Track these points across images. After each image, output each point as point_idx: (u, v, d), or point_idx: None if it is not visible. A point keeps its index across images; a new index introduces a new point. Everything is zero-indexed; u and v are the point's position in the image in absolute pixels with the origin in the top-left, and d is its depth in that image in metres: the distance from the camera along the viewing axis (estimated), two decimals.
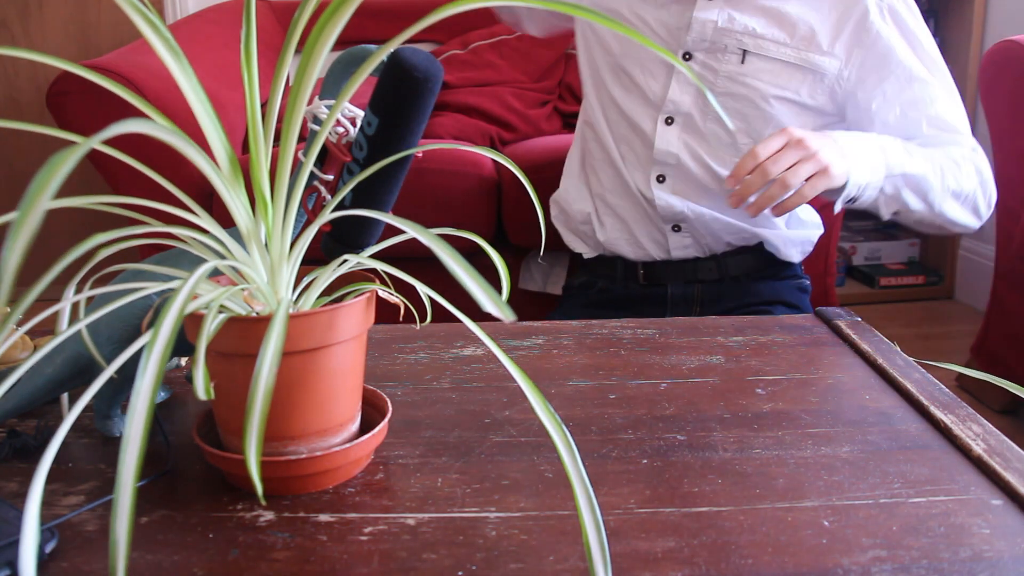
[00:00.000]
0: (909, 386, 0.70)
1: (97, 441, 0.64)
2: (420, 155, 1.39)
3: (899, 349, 0.79)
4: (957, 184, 1.04)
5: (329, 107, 0.58)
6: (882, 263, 2.60)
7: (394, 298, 0.57)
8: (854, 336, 0.81)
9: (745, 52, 1.07)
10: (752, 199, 0.97)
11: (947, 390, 0.69)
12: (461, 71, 2.06)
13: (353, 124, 0.59)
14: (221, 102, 1.75)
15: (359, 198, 0.59)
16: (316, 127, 0.59)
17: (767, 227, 1.14)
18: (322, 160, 0.61)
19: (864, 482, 0.57)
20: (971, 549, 0.50)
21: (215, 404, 0.57)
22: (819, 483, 0.57)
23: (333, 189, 0.60)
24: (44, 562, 0.49)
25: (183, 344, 0.56)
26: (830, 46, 1.06)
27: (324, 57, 0.48)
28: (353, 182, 0.56)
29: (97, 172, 1.59)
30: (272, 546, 0.51)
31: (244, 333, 0.51)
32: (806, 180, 0.95)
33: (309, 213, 0.59)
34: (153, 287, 0.53)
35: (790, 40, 1.07)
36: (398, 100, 0.55)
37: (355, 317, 0.55)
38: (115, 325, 0.60)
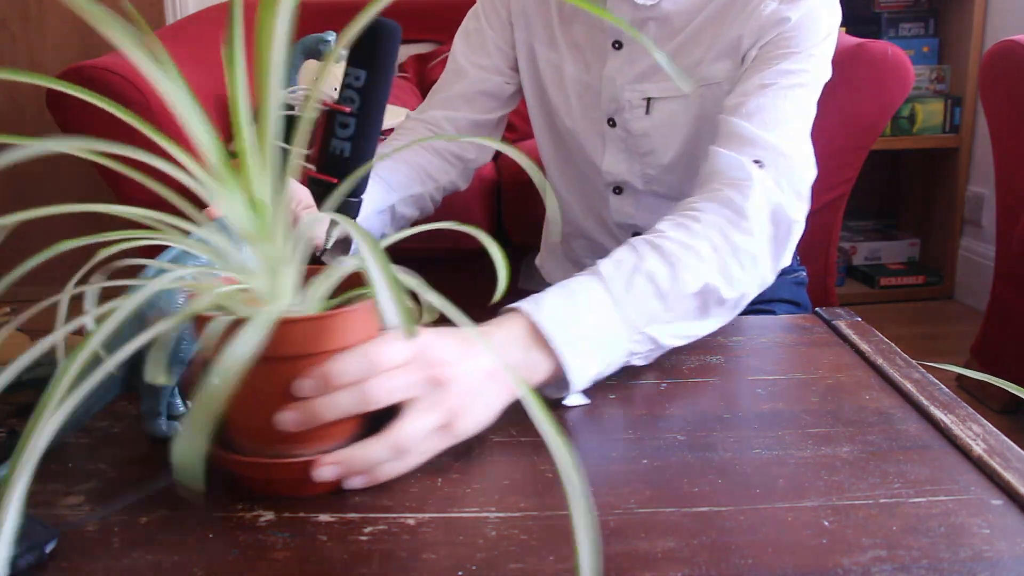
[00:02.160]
0: (909, 386, 0.70)
1: (97, 441, 0.64)
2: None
3: (899, 349, 0.79)
4: (749, 261, 0.78)
5: (293, 92, 0.64)
6: (882, 263, 2.61)
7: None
8: (854, 336, 0.81)
9: (649, 100, 0.99)
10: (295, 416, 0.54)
11: (947, 390, 0.69)
12: None
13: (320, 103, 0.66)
14: (222, 101, 1.75)
15: (357, 146, 0.67)
16: (282, 112, 0.62)
17: None
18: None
19: (864, 482, 0.57)
20: (971, 549, 0.50)
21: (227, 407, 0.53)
22: (819, 483, 0.57)
23: (315, 158, 0.69)
24: (44, 562, 0.49)
25: (135, 379, 0.59)
26: (710, 49, 0.96)
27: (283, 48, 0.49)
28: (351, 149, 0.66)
29: (97, 172, 1.59)
30: (272, 546, 0.51)
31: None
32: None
33: (329, 178, 0.68)
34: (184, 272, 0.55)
35: (690, 69, 0.97)
36: (380, 51, 0.67)
37: (357, 323, 0.54)
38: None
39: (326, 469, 0.54)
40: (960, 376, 1.78)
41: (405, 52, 2.28)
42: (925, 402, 0.67)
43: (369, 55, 0.67)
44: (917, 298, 2.50)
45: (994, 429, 0.63)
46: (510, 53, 1.10)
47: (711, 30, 0.97)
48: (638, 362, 0.73)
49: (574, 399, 0.68)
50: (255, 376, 0.44)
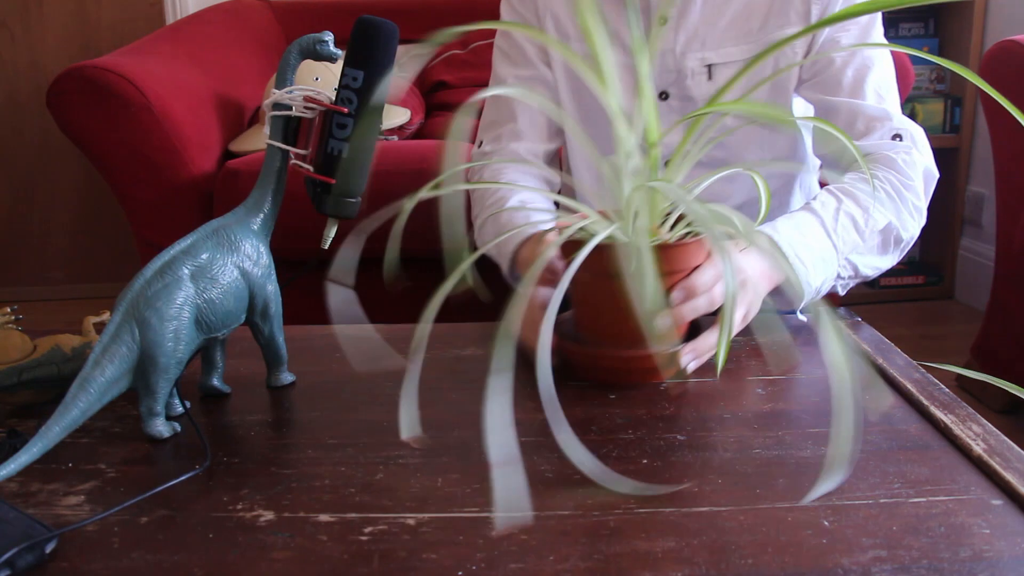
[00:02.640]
0: (909, 386, 0.70)
1: (97, 441, 0.64)
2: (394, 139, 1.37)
3: (899, 349, 0.79)
4: (916, 208, 0.97)
5: (291, 93, 0.68)
6: None
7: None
8: (854, 336, 0.81)
9: (711, 67, 1.04)
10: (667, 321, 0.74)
11: (947, 390, 0.69)
12: (461, 71, 2.06)
13: (317, 103, 0.69)
14: (222, 101, 1.75)
15: (356, 146, 0.68)
16: (279, 113, 0.68)
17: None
18: (295, 138, 0.69)
19: (864, 482, 0.57)
20: (971, 549, 0.50)
21: (585, 318, 0.74)
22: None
23: (312, 158, 0.69)
24: (44, 562, 0.49)
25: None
26: (783, 13, 1.01)
27: None
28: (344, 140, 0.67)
29: (97, 172, 1.59)
30: (272, 546, 0.51)
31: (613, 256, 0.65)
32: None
33: (326, 179, 0.68)
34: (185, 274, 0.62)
35: (751, 33, 1.03)
36: (377, 52, 0.67)
37: (700, 251, 0.72)
38: (167, 321, 0.62)
39: (687, 356, 0.73)
40: (960, 376, 1.78)
41: (404, 52, 2.28)
42: (925, 402, 0.67)
43: (367, 55, 0.67)
44: (917, 298, 2.50)
45: (994, 429, 0.63)
46: (545, 56, 1.12)
47: None
48: (841, 289, 0.93)
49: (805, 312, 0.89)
50: (622, 290, 0.60)
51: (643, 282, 0.57)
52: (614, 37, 1.06)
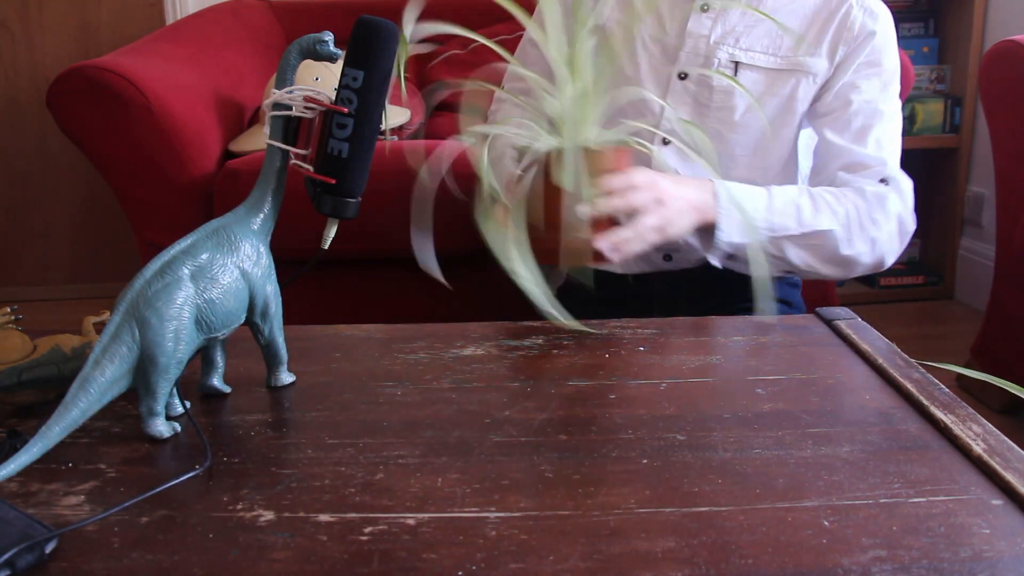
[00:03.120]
0: (909, 386, 0.70)
1: (97, 441, 0.64)
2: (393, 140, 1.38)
3: (899, 349, 0.79)
4: (869, 238, 1.03)
5: (291, 93, 0.68)
6: None
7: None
8: (854, 336, 0.81)
9: (738, 64, 1.09)
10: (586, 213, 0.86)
11: (947, 390, 0.69)
12: (461, 71, 2.05)
13: (317, 103, 0.69)
14: (222, 101, 1.75)
15: (356, 146, 0.68)
16: (279, 113, 0.68)
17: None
18: (295, 138, 0.69)
19: (864, 482, 0.57)
20: (971, 549, 0.50)
21: (532, 208, 0.84)
22: (819, 483, 0.57)
23: (313, 158, 0.69)
24: (44, 562, 0.49)
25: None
26: (817, 46, 1.08)
27: None
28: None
29: (97, 172, 1.59)
30: (272, 546, 0.51)
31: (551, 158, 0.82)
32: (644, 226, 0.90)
33: (326, 179, 0.68)
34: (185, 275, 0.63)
35: (780, 48, 1.08)
36: (377, 52, 0.67)
37: (627, 157, 0.89)
38: (167, 321, 0.62)
39: (603, 241, 0.85)
40: (960, 376, 1.78)
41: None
42: (925, 402, 0.67)
43: (367, 56, 0.67)
44: (917, 298, 2.50)
45: (994, 429, 0.63)
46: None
47: (805, 17, 1.08)
48: (775, 270, 1.03)
49: (713, 258, 1.02)
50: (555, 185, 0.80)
51: (572, 179, 0.79)
52: (653, 14, 1.11)
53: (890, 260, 1.07)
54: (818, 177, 1.12)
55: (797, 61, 1.08)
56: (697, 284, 1.16)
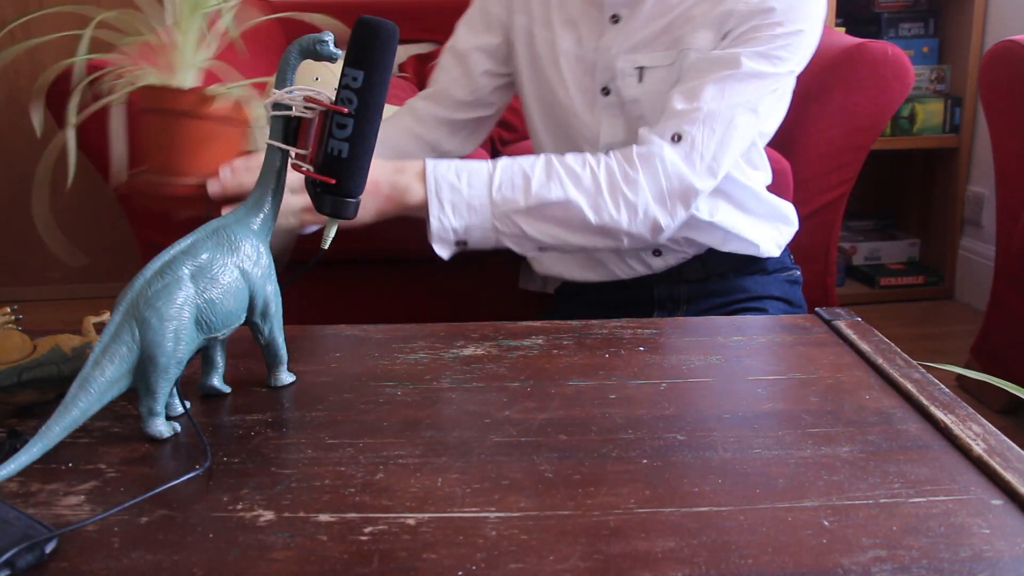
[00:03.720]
0: (909, 386, 0.70)
1: (97, 441, 0.64)
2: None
3: (899, 349, 0.79)
4: (624, 203, 0.96)
5: (291, 93, 0.68)
6: (882, 263, 2.61)
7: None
8: (854, 336, 0.81)
9: (642, 69, 1.05)
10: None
11: (947, 390, 0.69)
12: None
13: (317, 103, 0.69)
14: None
15: (356, 146, 0.67)
16: (279, 113, 0.68)
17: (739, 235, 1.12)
18: (295, 138, 0.69)
19: (864, 482, 0.57)
20: (971, 549, 0.50)
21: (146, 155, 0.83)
22: (819, 483, 0.57)
23: (313, 158, 0.69)
24: (44, 562, 0.49)
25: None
26: (704, 20, 1.01)
27: None
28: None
29: (97, 172, 1.59)
30: (272, 546, 0.51)
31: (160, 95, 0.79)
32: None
33: (326, 179, 0.68)
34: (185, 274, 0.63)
35: (677, 40, 1.03)
36: (377, 52, 0.67)
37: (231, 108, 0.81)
38: (167, 321, 0.62)
39: (213, 184, 0.81)
40: (960, 376, 1.78)
41: (405, 52, 2.29)
42: (925, 402, 0.67)
43: (367, 55, 0.67)
44: (917, 298, 2.50)
45: (994, 429, 0.63)
46: (505, 39, 1.14)
47: (705, 5, 1.02)
48: (512, 245, 0.97)
49: (441, 248, 0.95)
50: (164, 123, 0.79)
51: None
52: (572, 27, 1.09)
53: (668, 222, 0.98)
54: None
55: (685, 44, 1.02)
56: (697, 285, 1.16)
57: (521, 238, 0.96)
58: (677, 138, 0.97)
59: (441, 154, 1.17)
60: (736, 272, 1.15)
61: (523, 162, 0.95)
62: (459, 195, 0.92)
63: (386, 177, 0.91)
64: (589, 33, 1.08)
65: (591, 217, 0.95)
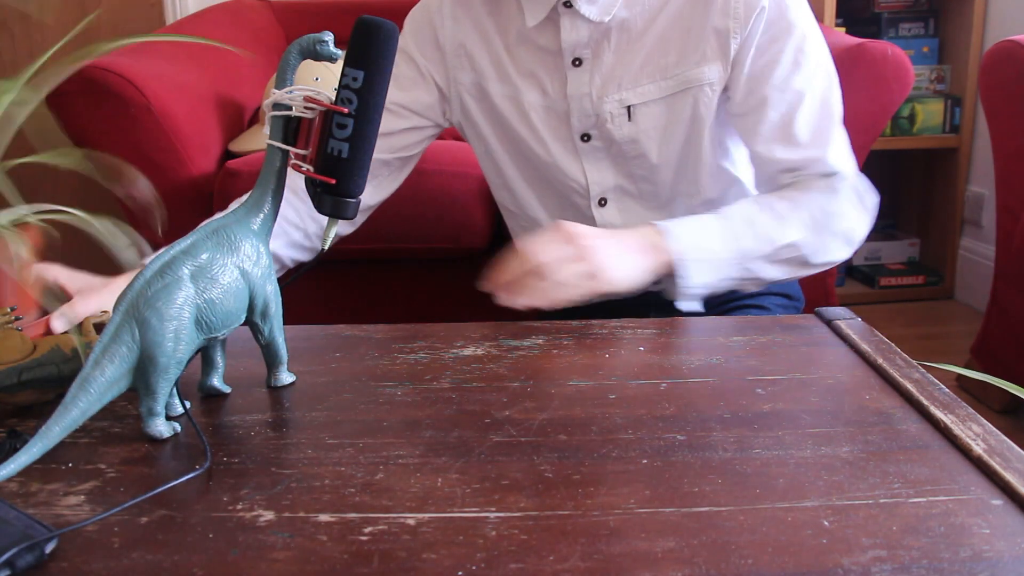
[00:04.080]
0: (909, 386, 0.70)
1: (97, 441, 0.64)
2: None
3: (899, 349, 0.79)
4: (839, 232, 0.99)
5: (291, 93, 0.67)
6: (882, 263, 2.61)
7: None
8: (854, 336, 0.81)
9: (630, 108, 1.01)
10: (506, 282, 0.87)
11: (947, 390, 0.69)
12: None
13: (317, 103, 0.68)
14: (222, 101, 1.75)
15: (356, 146, 0.67)
16: (279, 113, 0.68)
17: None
18: (295, 138, 0.69)
19: (864, 482, 0.57)
20: (971, 549, 0.50)
21: None
22: (819, 483, 0.57)
23: (313, 158, 0.68)
24: (44, 562, 0.49)
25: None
26: (701, 47, 0.98)
27: None
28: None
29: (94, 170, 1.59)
30: (272, 546, 0.51)
31: None
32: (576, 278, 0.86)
33: (326, 179, 0.67)
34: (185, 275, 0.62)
35: (667, 69, 0.99)
36: (377, 52, 0.67)
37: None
38: (167, 321, 0.62)
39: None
40: (960, 376, 1.78)
41: None
42: (925, 402, 0.67)
43: (367, 55, 0.67)
44: (917, 298, 2.50)
45: (994, 429, 0.63)
46: (441, 95, 1.09)
47: (679, 27, 0.98)
48: (736, 287, 0.97)
49: (689, 304, 0.93)
50: None
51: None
52: (532, 79, 1.04)
53: (863, 237, 1.03)
54: (763, 188, 1.06)
55: (687, 77, 0.99)
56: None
57: (756, 281, 0.97)
58: (827, 177, 0.99)
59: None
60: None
61: (742, 211, 0.97)
62: (704, 252, 0.91)
63: (637, 239, 0.91)
64: (552, 82, 1.03)
65: (817, 254, 0.98)
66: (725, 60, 0.97)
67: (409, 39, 1.08)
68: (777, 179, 1.01)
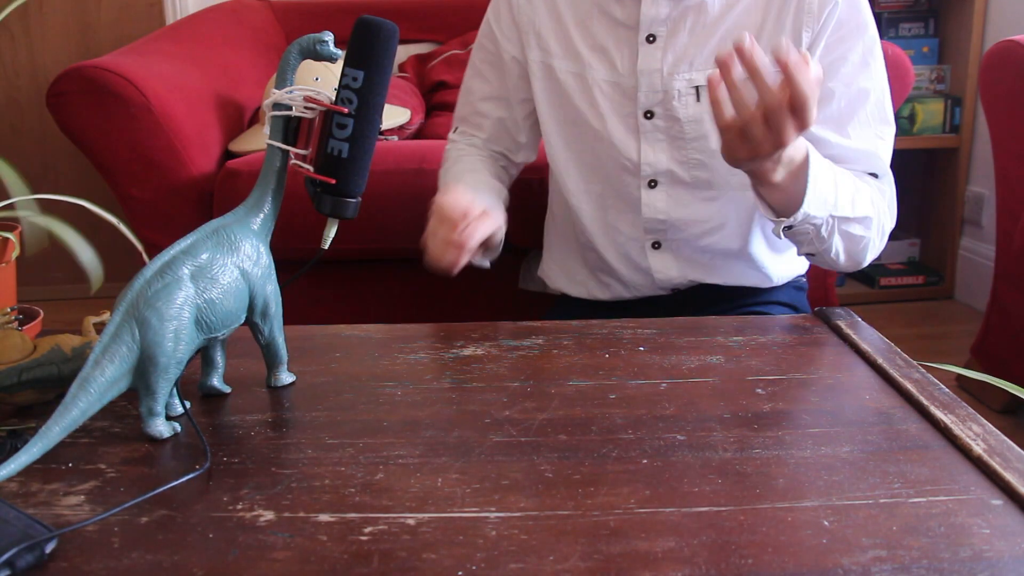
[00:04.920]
0: (909, 386, 0.70)
1: (97, 441, 0.64)
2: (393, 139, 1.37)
3: (899, 349, 0.79)
4: (882, 229, 1.01)
5: (291, 93, 0.67)
6: (882, 263, 2.61)
7: None
8: (854, 336, 0.81)
9: (699, 88, 1.02)
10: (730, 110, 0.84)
11: (947, 390, 0.69)
12: (461, 71, 2.05)
13: (317, 103, 0.69)
14: (222, 101, 1.75)
15: (356, 146, 0.67)
16: (279, 113, 0.68)
17: (757, 268, 1.12)
18: (295, 138, 0.69)
19: (864, 482, 0.57)
20: (971, 549, 0.50)
21: None
22: (819, 483, 0.57)
23: (313, 158, 0.69)
24: (44, 562, 0.49)
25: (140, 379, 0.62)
26: (777, 34, 1.00)
27: None
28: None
29: (97, 172, 1.59)
30: (272, 546, 0.51)
31: None
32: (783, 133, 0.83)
33: (326, 179, 0.68)
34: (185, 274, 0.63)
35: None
36: (377, 52, 0.67)
37: None
38: (167, 321, 0.62)
39: None
40: (960, 376, 1.78)
41: (405, 52, 2.28)
42: (925, 402, 0.67)
43: (367, 55, 0.67)
44: (917, 298, 2.50)
45: (994, 429, 0.63)
46: (522, 69, 1.13)
47: (755, 16, 1.01)
48: (806, 246, 0.96)
49: (773, 224, 0.93)
50: None
51: None
52: (601, 53, 1.06)
53: (880, 250, 1.04)
54: None
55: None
56: (705, 290, 1.15)
57: (821, 242, 0.95)
58: (874, 176, 1.02)
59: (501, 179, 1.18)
60: (741, 295, 1.15)
61: (846, 173, 0.97)
62: (819, 188, 0.90)
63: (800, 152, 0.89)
64: (622, 57, 1.05)
65: (872, 242, 0.99)
66: (798, 47, 0.99)
67: (491, 19, 1.15)
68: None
